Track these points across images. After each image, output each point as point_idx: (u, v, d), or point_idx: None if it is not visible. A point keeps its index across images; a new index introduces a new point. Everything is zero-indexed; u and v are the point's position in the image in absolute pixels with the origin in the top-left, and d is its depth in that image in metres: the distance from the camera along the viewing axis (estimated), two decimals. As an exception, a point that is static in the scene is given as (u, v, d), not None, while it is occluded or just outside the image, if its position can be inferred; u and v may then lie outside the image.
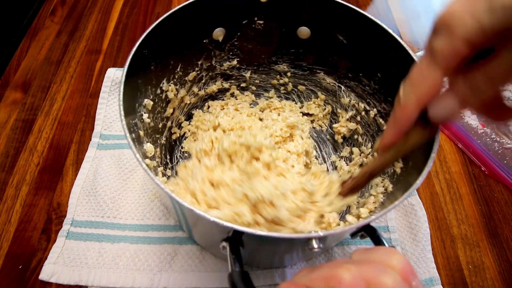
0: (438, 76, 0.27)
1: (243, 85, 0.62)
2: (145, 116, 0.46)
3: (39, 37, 0.76)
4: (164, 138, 0.53)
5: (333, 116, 0.61)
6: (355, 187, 0.39)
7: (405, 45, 0.42)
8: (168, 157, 0.54)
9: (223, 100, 0.62)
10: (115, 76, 0.66)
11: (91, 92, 0.67)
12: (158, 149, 0.49)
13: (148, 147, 0.45)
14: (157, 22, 0.42)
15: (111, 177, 0.55)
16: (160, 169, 0.49)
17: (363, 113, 0.54)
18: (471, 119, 0.63)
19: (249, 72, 0.60)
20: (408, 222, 0.53)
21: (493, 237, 0.53)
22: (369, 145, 0.54)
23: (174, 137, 0.57)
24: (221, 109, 0.60)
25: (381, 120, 0.50)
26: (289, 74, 0.60)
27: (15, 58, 0.72)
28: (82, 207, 0.53)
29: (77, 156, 0.59)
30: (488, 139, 0.61)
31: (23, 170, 0.57)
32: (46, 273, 0.47)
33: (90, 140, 0.60)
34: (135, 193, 0.54)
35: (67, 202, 0.53)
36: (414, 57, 0.41)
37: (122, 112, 0.36)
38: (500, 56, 0.23)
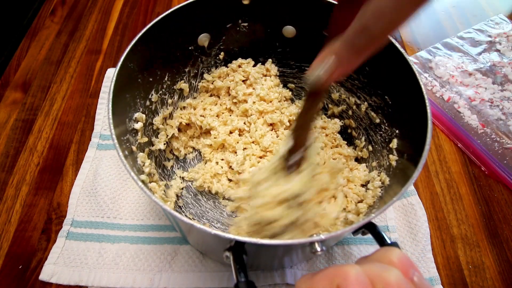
0: None
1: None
2: (138, 128, 0.45)
3: (39, 37, 0.76)
4: (157, 151, 0.52)
5: (325, 112, 0.61)
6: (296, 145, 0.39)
7: (391, 38, 0.42)
8: (161, 166, 0.54)
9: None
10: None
11: (91, 92, 0.67)
12: (152, 160, 0.48)
13: (142, 157, 0.45)
14: (139, 34, 0.42)
15: (111, 177, 0.55)
16: (156, 177, 0.48)
17: (354, 107, 0.54)
18: (471, 119, 0.63)
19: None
20: (408, 222, 0.53)
21: (493, 237, 0.53)
22: (363, 138, 0.54)
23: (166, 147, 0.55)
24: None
25: (372, 113, 0.50)
26: (277, 73, 0.60)
27: (15, 58, 0.72)
28: (82, 207, 0.53)
29: (77, 156, 0.59)
30: (488, 139, 0.61)
31: (23, 170, 0.57)
32: (46, 274, 0.47)
33: (90, 140, 0.60)
34: (135, 193, 0.54)
35: (67, 202, 0.53)
36: (401, 49, 0.41)
37: (113, 131, 0.36)
38: None
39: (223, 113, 0.58)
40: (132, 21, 0.80)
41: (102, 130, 0.61)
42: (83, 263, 0.48)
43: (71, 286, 0.47)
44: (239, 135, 0.56)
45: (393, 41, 0.42)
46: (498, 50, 0.74)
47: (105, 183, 0.54)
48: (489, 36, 0.77)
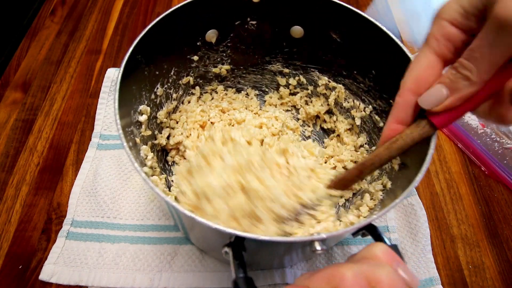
0: (432, 59, 0.29)
1: (238, 86, 0.63)
2: (142, 121, 0.45)
3: (39, 37, 0.76)
4: (159, 146, 0.52)
5: (330, 115, 0.61)
6: (344, 180, 0.38)
7: (398, 41, 0.42)
8: (163, 161, 0.54)
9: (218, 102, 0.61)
10: (115, 76, 0.66)
11: (91, 92, 0.67)
12: (154, 154, 0.48)
13: (145, 150, 0.45)
14: (149, 27, 0.42)
15: (111, 177, 0.55)
16: (157, 171, 0.48)
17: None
18: (471, 119, 0.63)
19: (243, 73, 0.60)
20: (408, 222, 0.53)
21: (493, 237, 0.53)
22: (365, 141, 0.54)
23: (170, 141, 0.55)
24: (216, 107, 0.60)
25: (377, 117, 0.50)
26: (287, 70, 0.60)
27: (15, 58, 0.72)
28: (82, 207, 0.53)
29: (77, 156, 0.59)
30: (488, 139, 0.61)
31: (23, 170, 0.57)
32: (46, 273, 0.47)
33: (90, 140, 0.60)
34: (135, 193, 0.54)
35: (67, 202, 0.53)
36: (408, 53, 0.41)
37: (119, 121, 0.36)
38: (478, 36, 0.25)
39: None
40: (132, 21, 0.80)
41: (102, 130, 0.61)
42: (83, 263, 0.48)
43: (71, 286, 0.47)
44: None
45: (400, 44, 0.42)
46: None
47: (105, 183, 0.54)
48: None
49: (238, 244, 0.32)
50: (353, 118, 0.55)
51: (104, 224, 0.51)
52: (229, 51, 0.56)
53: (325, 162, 0.56)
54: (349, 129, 0.57)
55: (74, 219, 0.52)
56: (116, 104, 0.37)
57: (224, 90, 0.61)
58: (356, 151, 0.56)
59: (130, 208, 0.53)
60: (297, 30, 0.53)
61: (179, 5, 0.45)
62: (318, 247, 0.30)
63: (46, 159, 0.58)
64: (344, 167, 0.55)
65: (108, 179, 0.55)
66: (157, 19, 0.43)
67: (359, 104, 0.53)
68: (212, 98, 0.60)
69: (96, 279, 0.47)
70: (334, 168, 0.55)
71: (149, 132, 0.48)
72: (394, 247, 0.31)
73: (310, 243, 0.30)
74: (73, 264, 0.48)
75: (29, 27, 0.78)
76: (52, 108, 0.65)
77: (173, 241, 0.50)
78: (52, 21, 0.79)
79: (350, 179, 0.38)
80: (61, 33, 0.77)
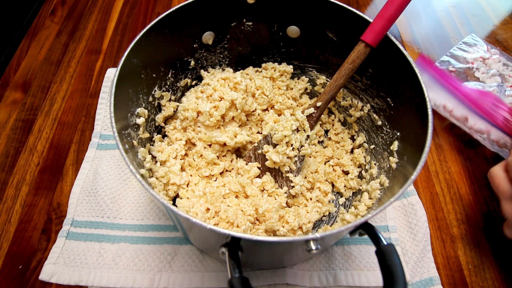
0: None
1: None
2: (139, 123, 0.45)
3: (39, 37, 0.76)
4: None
5: (329, 114, 0.61)
6: (313, 103, 0.48)
7: (394, 39, 0.42)
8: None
9: None
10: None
11: (91, 92, 0.67)
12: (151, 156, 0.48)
13: (142, 152, 0.45)
14: (143, 31, 0.42)
15: (111, 177, 0.55)
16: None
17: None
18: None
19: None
20: (408, 222, 0.53)
21: (493, 237, 0.53)
22: (363, 139, 0.54)
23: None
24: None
25: (374, 115, 0.51)
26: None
27: (15, 58, 0.72)
28: (82, 207, 0.53)
29: (77, 156, 0.59)
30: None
31: (23, 170, 0.57)
32: (46, 273, 0.47)
33: (90, 140, 0.60)
34: (135, 193, 0.54)
35: (67, 202, 0.53)
36: (404, 51, 0.41)
37: (114, 124, 0.36)
38: None
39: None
40: (132, 21, 0.80)
41: (102, 130, 0.61)
42: (83, 263, 0.48)
43: (71, 286, 0.47)
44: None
45: (396, 42, 0.42)
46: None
47: (105, 183, 0.54)
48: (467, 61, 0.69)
49: (234, 244, 0.32)
50: (351, 117, 0.56)
51: (104, 224, 0.51)
52: (226, 53, 0.56)
53: (325, 163, 0.56)
54: (342, 131, 0.58)
55: (74, 219, 0.52)
56: (112, 108, 0.37)
57: None
58: (353, 151, 0.56)
59: (130, 208, 0.53)
60: (293, 30, 0.53)
61: (173, 8, 0.45)
62: (313, 246, 0.30)
63: (46, 159, 0.58)
64: (344, 171, 0.55)
65: (108, 179, 0.55)
66: (152, 23, 0.43)
67: (357, 102, 0.53)
68: None
69: (96, 279, 0.47)
70: (334, 171, 0.55)
71: (147, 135, 0.48)
72: (390, 246, 0.31)
73: (305, 242, 0.30)
74: (73, 264, 0.48)
75: (29, 27, 0.78)
76: (52, 108, 0.65)
77: (173, 241, 0.50)
78: (52, 21, 0.79)
79: (319, 98, 0.48)
80: (61, 33, 0.77)
